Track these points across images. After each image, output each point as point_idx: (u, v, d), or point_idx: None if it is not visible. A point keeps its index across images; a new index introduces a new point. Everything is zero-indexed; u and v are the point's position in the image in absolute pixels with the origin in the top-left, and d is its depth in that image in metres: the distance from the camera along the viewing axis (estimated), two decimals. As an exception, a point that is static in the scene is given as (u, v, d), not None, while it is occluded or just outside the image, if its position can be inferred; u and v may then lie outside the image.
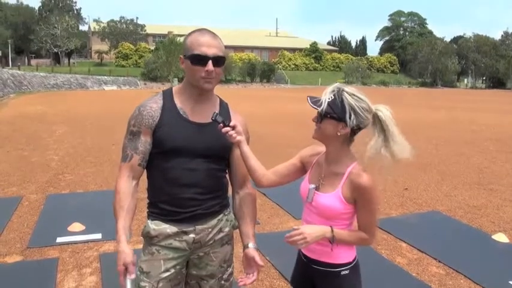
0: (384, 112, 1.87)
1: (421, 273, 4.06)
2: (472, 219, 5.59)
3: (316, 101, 1.88)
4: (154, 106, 1.96)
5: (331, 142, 1.91)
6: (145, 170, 2.01)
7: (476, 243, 4.84)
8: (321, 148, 2.03)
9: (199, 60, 1.88)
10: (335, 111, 1.83)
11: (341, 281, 1.96)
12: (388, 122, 1.85)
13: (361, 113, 1.83)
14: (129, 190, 1.91)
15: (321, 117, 1.87)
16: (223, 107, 2.10)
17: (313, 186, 1.97)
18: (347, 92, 1.84)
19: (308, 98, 1.90)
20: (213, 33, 1.96)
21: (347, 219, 1.95)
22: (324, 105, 1.84)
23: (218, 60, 1.91)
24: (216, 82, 1.96)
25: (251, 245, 2.07)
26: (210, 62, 1.88)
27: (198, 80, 1.92)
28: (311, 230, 1.87)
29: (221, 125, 1.92)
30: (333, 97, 1.84)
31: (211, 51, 1.89)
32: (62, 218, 5.29)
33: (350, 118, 1.82)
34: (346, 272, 1.96)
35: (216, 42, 1.92)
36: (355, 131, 1.89)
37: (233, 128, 1.94)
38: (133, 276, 1.80)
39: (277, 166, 2.14)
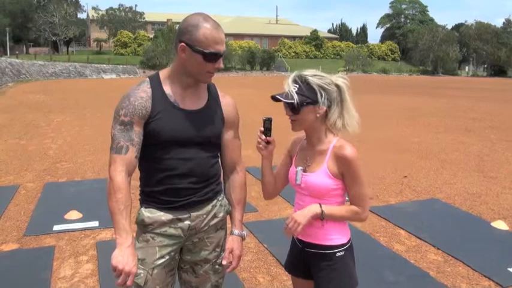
0: (342, 81, 1.93)
1: (419, 260, 4.04)
2: (472, 207, 5.56)
3: (284, 96, 1.89)
4: (144, 96, 1.88)
5: (311, 126, 1.95)
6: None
7: (476, 230, 4.81)
8: (301, 134, 2.07)
9: (213, 57, 1.84)
10: (308, 97, 1.87)
11: (336, 262, 1.97)
12: (345, 90, 1.92)
13: (328, 88, 1.90)
14: (128, 188, 1.83)
15: (297, 108, 1.88)
16: (212, 89, 2.05)
17: (300, 168, 2.00)
18: (308, 75, 1.90)
19: (276, 96, 1.90)
20: (217, 23, 1.90)
21: (338, 196, 1.97)
22: (295, 96, 1.86)
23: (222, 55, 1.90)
24: None
25: (236, 232, 2.08)
26: (221, 59, 1.87)
27: (203, 74, 1.88)
28: (300, 212, 1.92)
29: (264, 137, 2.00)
30: (297, 86, 1.88)
31: (222, 48, 1.85)
32: (59, 206, 5.27)
33: (322, 97, 1.88)
34: (342, 253, 1.98)
35: (223, 36, 1.87)
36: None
37: (267, 142, 2.00)
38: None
39: (276, 171, 2.17)
